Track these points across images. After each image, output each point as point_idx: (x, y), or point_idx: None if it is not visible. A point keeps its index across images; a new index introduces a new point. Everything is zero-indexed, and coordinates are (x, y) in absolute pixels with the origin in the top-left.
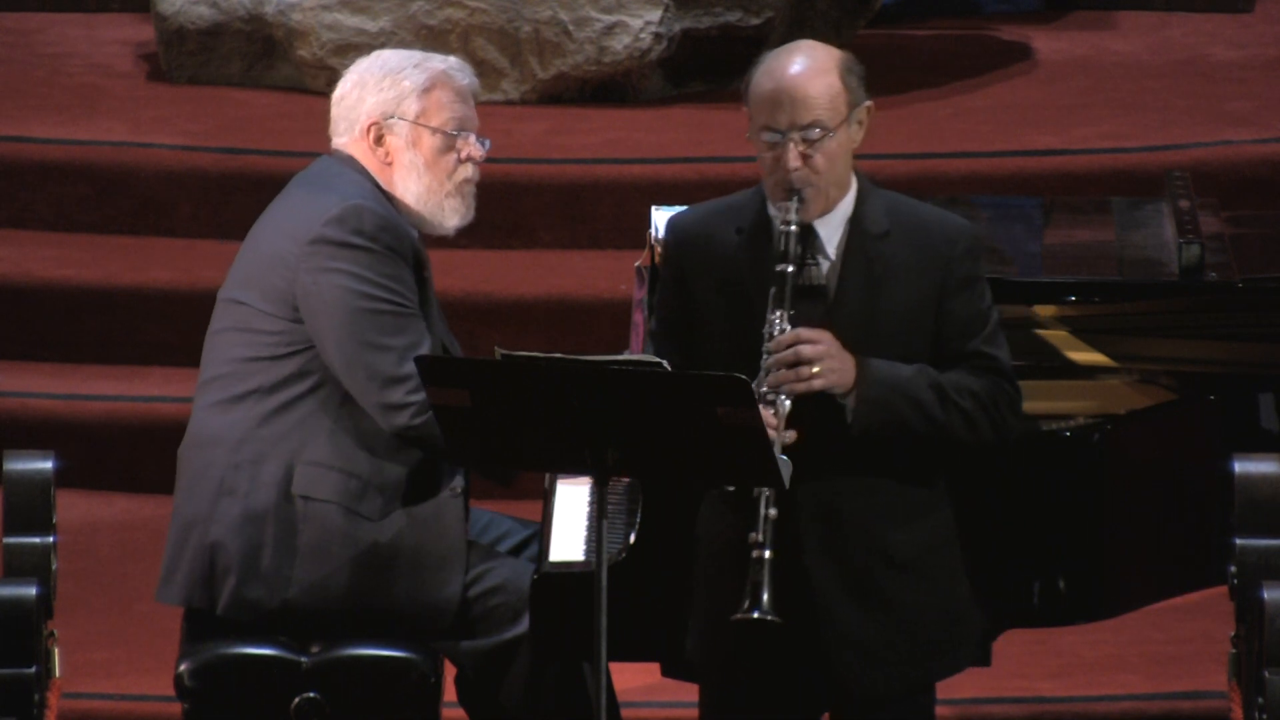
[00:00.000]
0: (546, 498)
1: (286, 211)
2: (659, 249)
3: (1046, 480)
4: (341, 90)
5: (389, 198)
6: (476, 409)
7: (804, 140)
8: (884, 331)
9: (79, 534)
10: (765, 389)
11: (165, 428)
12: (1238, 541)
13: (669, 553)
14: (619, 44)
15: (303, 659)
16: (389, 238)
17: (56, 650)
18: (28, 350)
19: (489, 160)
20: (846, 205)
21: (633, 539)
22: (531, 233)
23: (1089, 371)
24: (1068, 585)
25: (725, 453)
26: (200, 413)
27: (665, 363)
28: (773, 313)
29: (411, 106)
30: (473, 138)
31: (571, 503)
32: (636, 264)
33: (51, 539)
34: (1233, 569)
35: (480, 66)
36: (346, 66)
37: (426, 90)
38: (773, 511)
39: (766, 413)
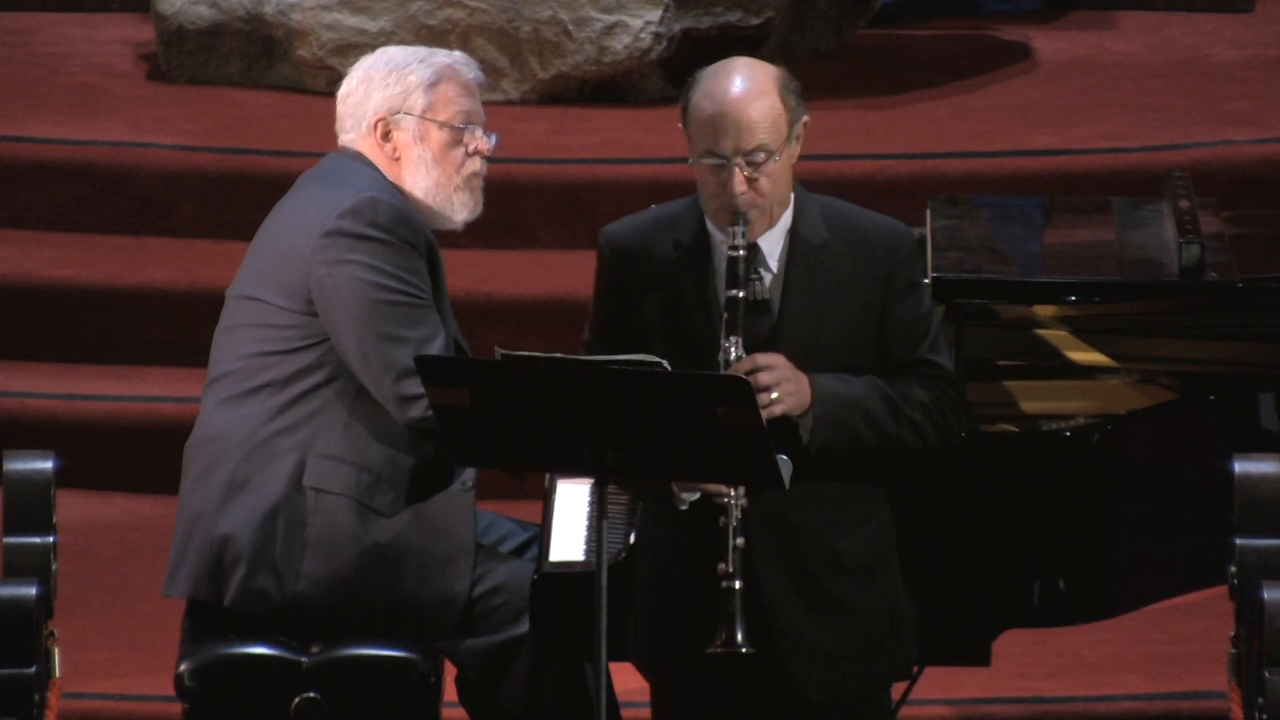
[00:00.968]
0: (546, 498)
1: (299, 206)
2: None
3: (1046, 480)
4: (347, 88)
5: (399, 193)
6: (477, 409)
7: (749, 164)
8: (829, 342)
9: (79, 534)
10: None
11: (165, 428)
12: (1238, 541)
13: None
14: (619, 44)
15: (303, 659)
16: (404, 230)
17: (56, 650)
18: (28, 350)
19: (489, 160)
20: (786, 216)
21: (633, 539)
22: (531, 233)
23: (1089, 371)
24: (1068, 585)
25: (725, 453)
26: (209, 409)
27: (665, 363)
28: (726, 339)
29: (418, 101)
30: (480, 131)
31: (571, 503)
32: None
33: (51, 539)
34: (1233, 569)
35: (480, 67)
36: (346, 66)
37: (433, 85)
38: (740, 541)
39: None
